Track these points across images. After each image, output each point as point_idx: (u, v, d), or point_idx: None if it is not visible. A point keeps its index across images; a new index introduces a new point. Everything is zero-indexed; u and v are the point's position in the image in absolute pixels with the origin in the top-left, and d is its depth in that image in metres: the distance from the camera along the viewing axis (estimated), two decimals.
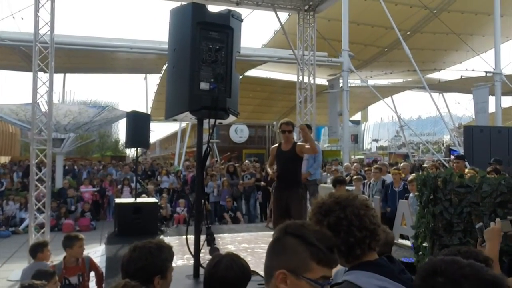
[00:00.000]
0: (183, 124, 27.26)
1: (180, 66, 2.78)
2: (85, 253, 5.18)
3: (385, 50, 21.45)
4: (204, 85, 2.61)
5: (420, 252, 4.12)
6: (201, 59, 2.62)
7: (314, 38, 13.13)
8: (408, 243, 6.08)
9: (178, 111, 2.78)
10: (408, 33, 19.46)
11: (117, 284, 1.82)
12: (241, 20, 2.82)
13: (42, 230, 8.39)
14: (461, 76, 20.45)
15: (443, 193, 3.79)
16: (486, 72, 18.06)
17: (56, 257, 5.62)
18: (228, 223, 11.29)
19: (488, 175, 4.20)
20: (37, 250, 5.05)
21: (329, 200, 1.71)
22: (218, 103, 2.61)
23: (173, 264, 2.29)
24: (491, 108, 17.95)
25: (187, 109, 2.65)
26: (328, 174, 12.01)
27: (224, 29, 2.72)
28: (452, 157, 13.69)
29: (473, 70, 20.14)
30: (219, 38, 2.68)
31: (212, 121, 2.68)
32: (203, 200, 3.20)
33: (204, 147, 2.87)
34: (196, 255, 2.76)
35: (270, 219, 8.34)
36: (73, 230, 11.42)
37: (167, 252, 2.24)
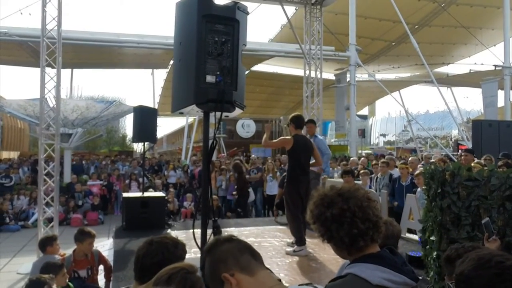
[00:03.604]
0: (190, 119, 27.32)
1: (186, 60, 2.78)
2: (93, 247, 5.22)
3: (393, 44, 21.33)
4: (210, 78, 2.60)
5: (428, 246, 4.10)
6: (207, 52, 2.61)
7: (321, 32, 13.08)
8: (415, 237, 6.07)
9: (184, 104, 2.78)
10: (416, 26, 19.32)
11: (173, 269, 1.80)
12: (247, 13, 2.81)
13: (51, 224, 8.47)
14: (470, 70, 20.29)
15: (451, 187, 3.76)
16: (495, 66, 17.91)
17: (65, 251, 5.68)
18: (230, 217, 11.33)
19: (499, 169, 4.16)
20: (46, 244, 5.10)
21: (331, 192, 1.71)
22: (224, 96, 2.61)
23: None
24: (500, 102, 17.81)
25: (193, 102, 2.64)
26: (335, 169, 11.98)
27: (230, 21, 2.70)
28: (460, 151, 13.62)
29: (482, 64, 20.00)
30: (225, 31, 2.67)
31: (218, 114, 2.68)
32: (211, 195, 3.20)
33: (211, 141, 2.87)
34: (203, 248, 2.77)
35: (278, 213, 8.37)
36: (81, 224, 11.52)
37: (182, 250, 2.26)
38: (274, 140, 6.30)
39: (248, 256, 1.43)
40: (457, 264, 1.20)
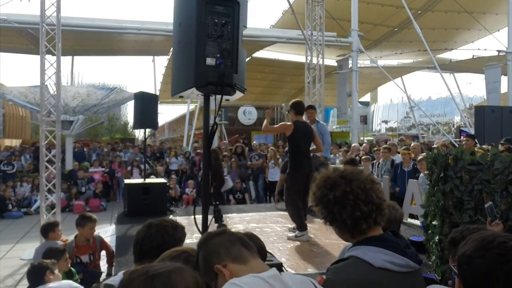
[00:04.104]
0: (191, 106, 27.26)
1: (186, 42, 2.74)
2: (95, 233, 5.24)
3: (395, 29, 21.09)
4: (210, 61, 2.56)
5: (430, 231, 4.10)
6: (207, 34, 2.56)
7: (323, 18, 12.97)
8: (417, 222, 6.07)
9: (184, 87, 2.74)
10: (419, 12, 19.08)
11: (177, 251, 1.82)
12: None
13: (53, 211, 8.49)
14: (473, 55, 20.10)
15: (453, 171, 3.74)
16: (499, 51, 17.75)
17: (67, 237, 5.70)
18: (231, 203, 11.36)
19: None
20: (49, 230, 5.12)
21: (334, 174, 1.69)
22: (225, 78, 2.57)
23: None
24: (503, 88, 17.67)
25: (193, 85, 2.61)
26: (336, 155, 11.97)
27: (230, 3, 2.65)
28: (462, 137, 13.55)
29: (485, 49, 19.80)
30: (225, 12, 2.62)
31: (218, 97, 2.64)
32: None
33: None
34: (204, 232, 2.76)
35: (280, 199, 8.38)
36: (83, 211, 11.57)
37: (181, 232, 2.25)
38: (274, 126, 6.27)
39: (239, 247, 1.43)
40: (460, 246, 1.18)
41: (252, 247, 1.47)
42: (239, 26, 2.68)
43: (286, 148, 7.15)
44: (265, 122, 5.67)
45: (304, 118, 6.33)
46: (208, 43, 2.57)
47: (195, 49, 2.57)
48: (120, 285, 1.27)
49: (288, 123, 5.84)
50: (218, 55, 2.58)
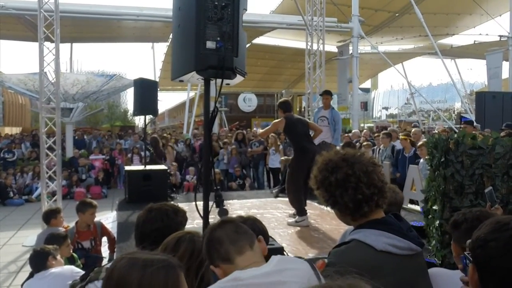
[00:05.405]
0: (191, 93, 27.18)
1: (185, 25, 2.70)
2: (96, 219, 5.26)
3: (397, 15, 20.89)
4: (210, 44, 2.52)
5: (430, 216, 4.10)
6: (207, 16, 2.53)
7: (323, 3, 12.84)
8: (417, 208, 6.08)
9: (184, 71, 2.71)
10: None
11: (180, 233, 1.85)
12: None
13: (54, 198, 8.51)
14: (474, 41, 19.97)
15: (454, 155, 3.73)
16: (501, 36, 17.63)
17: (69, 224, 5.73)
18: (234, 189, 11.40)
19: None
20: (51, 216, 5.13)
21: (335, 157, 1.67)
22: (225, 62, 2.54)
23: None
24: (505, 74, 17.59)
25: (193, 69, 2.58)
26: None
27: None
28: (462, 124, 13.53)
29: (487, 34, 19.66)
30: None
31: (219, 81, 2.62)
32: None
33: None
34: (205, 217, 2.76)
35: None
36: (84, 198, 11.60)
37: (182, 216, 2.26)
38: (267, 128, 6.42)
39: (227, 246, 1.47)
40: (475, 231, 1.17)
41: (241, 240, 1.50)
42: (239, 9, 2.64)
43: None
44: (259, 131, 5.99)
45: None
46: (208, 26, 2.53)
47: (195, 33, 2.54)
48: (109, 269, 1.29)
49: (278, 120, 5.97)
50: (218, 38, 2.54)
